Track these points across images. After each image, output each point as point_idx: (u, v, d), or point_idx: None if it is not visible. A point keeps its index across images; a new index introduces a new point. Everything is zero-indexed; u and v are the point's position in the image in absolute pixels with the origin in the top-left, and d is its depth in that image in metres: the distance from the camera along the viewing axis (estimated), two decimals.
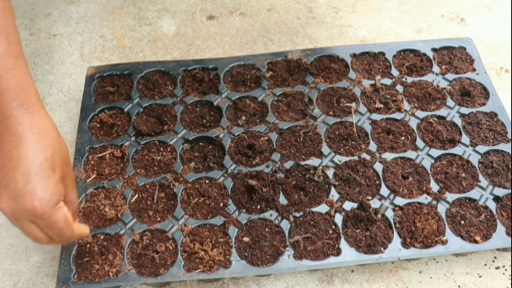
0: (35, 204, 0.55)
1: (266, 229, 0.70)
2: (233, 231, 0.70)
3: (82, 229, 0.64)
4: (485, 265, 0.72)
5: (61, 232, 0.59)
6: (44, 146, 0.57)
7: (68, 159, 0.62)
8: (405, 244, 0.68)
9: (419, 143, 0.79)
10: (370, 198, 0.73)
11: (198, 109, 0.85)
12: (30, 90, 0.58)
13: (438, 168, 0.76)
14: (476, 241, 0.68)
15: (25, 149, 0.56)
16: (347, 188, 0.74)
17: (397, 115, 0.82)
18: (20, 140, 0.56)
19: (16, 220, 0.58)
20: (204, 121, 0.83)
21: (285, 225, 0.70)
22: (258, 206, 0.72)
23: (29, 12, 1.05)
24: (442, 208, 0.72)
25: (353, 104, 0.83)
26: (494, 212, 0.71)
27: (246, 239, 0.69)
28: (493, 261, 0.72)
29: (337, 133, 0.81)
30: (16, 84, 0.56)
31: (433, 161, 0.77)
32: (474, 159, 0.77)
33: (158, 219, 0.72)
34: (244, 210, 0.72)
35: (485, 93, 0.85)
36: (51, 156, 0.58)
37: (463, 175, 0.75)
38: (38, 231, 0.59)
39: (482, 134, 0.80)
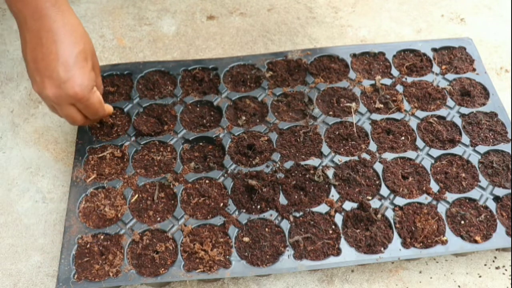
0: (76, 90, 0.67)
1: (266, 229, 0.70)
2: (233, 231, 0.70)
3: (109, 108, 0.79)
4: (485, 265, 0.72)
5: (97, 111, 0.73)
6: (77, 40, 0.68)
7: (94, 50, 0.73)
8: (405, 244, 0.68)
9: (419, 143, 0.79)
10: (370, 198, 0.73)
11: (198, 109, 0.85)
12: None
13: (438, 168, 0.76)
14: (476, 241, 0.68)
15: (61, 44, 0.66)
16: (347, 188, 0.74)
17: (397, 115, 0.83)
18: (56, 36, 0.65)
19: (58, 105, 0.68)
20: (204, 121, 0.83)
21: (285, 225, 0.70)
22: (258, 206, 0.72)
23: None
24: (442, 208, 0.72)
25: (353, 104, 0.83)
26: (494, 212, 0.71)
27: (246, 239, 0.69)
28: (493, 261, 0.72)
29: (337, 133, 0.81)
30: None
31: (433, 161, 0.77)
32: (474, 159, 0.77)
33: (158, 219, 0.72)
34: (244, 210, 0.72)
35: (485, 93, 0.85)
36: (83, 49, 0.68)
37: (463, 175, 0.75)
38: (76, 113, 0.71)
39: (482, 134, 0.80)
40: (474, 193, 0.73)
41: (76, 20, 0.69)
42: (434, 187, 0.74)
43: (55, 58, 0.65)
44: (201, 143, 0.81)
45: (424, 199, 0.73)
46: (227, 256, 0.67)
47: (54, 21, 0.65)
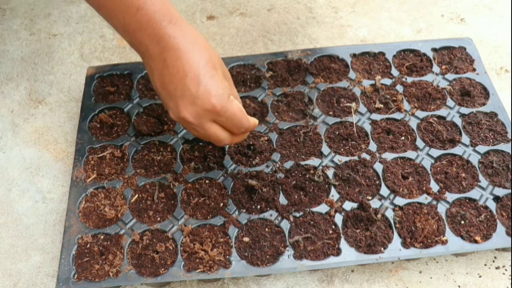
0: (213, 101, 0.61)
1: (266, 229, 0.70)
2: (233, 231, 0.70)
3: (254, 120, 0.68)
4: (485, 265, 0.72)
5: (241, 122, 0.65)
6: (200, 50, 0.63)
7: (221, 59, 0.67)
8: (405, 244, 0.68)
9: (419, 143, 0.79)
10: (370, 198, 0.73)
11: None
12: (170, 7, 0.63)
13: (438, 168, 0.76)
14: (476, 241, 0.68)
15: (186, 58, 0.61)
16: (347, 188, 0.74)
17: (397, 115, 0.82)
18: (179, 52, 0.61)
19: (199, 125, 0.63)
20: None
21: (285, 225, 0.70)
22: (258, 206, 0.72)
23: (29, 12, 1.05)
24: (442, 208, 0.72)
25: (353, 104, 0.83)
26: (494, 212, 0.71)
27: (246, 239, 0.69)
28: (493, 261, 0.72)
29: (337, 133, 0.81)
30: (160, 5, 0.62)
31: (433, 161, 0.77)
32: (474, 159, 0.77)
33: (158, 219, 0.72)
34: (244, 210, 0.72)
35: (485, 93, 0.85)
36: (210, 58, 0.63)
37: (463, 175, 0.75)
38: (220, 130, 0.65)
39: (482, 134, 0.80)
40: (474, 193, 0.73)
41: (195, 32, 0.65)
42: (434, 187, 0.74)
43: (183, 76, 0.61)
44: (201, 143, 0.81)
45: (424, 199, 0.73)
46: (227, 256, 0.67)
47: (174, 38, 0.61)
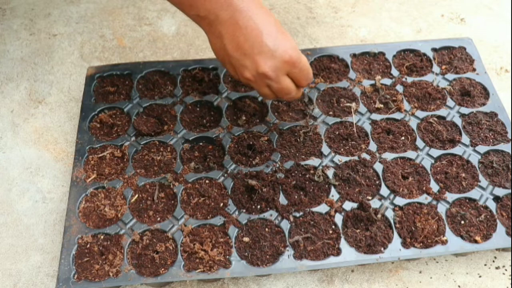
0: (290, 53, 0.66)
1: (266, 229, 0.70)
2: (233, 231, 0.70)
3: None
4: (485, 265, 0.72)
5: (309, 73, 0.70)
6: (266, 11, 0.68)
7: None
8: (405, 244, 0.68)
9: (419, 143, 0.79)
10: (370, 198, 0.73)
11: (198, 109, 0.85)
12: None
13: (438, 168, 0.76)
14: (476, 241, 0.68)
15: (258, 17, 0.66)
16: (347, 188, 0.74)
17: (397, 115, 0.82)
18: (250, 13, 0.65)
19: (276, 78, 0.67)
20: (204, 121, 0.83)
21: (285, 225, 0.70)
22: (258, 206, 0.72)
23: (29, 12, 1.05)
24: (442, 208, 0.72)
25: (353, 104, 0.83)
26: (494, 212, 0.71)
27: (246, 239, 0.69)
28: (493, 261, 0.72)
29: (337, 133, 0.81)
30: None
31: (433, 161, 0.77)
32: (474, 159, 0.77)
33: (158, 219, 0.72)
34: (244, 210, 0.72)
35: (485, 93, 0.85)
36: (274, 17, 0.68)
37: (463, 175, 0.75)
38: (291, 83, 0.70)
39: (482, 134, 0.80)
40: (474, 193, 0.73)
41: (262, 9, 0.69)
42: (434, 187, 0.74)
43: (258, 33, 0.65)
44: (201, 143, 0.81)
45: (424, 199, 0.73)
46: (227, 256, 0.67)
47: (243, 1, 0.65)
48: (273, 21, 0.67)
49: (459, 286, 0.70)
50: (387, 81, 0.87)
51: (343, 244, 0.68)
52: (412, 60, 0.91)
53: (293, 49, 0.67)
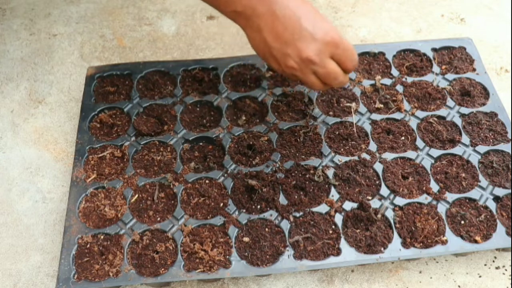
0: (331, 34, 0.66)
1: (266, 229, 0.70)
2: (233, 231, 0.70)
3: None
4: (485, 265, 0.72)
5: (353, 55, 0.69)
6: None
7: None
8: (405, 244, 0.68)
9: (419, 143, 0.79)
10: (370, 198, 0.73)
11: (198, 109, 0.85)
12: None
13: (438, 168, 0.76)
14: (476, 241, 0.68)
15: (294, 5, 0.66)
16: (347, 188, 0.74)
17: (397, 115, 0.82)
18: (286, 2, 0.65)
19: (320, 63, 0.66)
20: (204, 121, 0.83)
21: (285, 225, 0.70)
22: (258, 206, 0.72)
23: (29, 12, 1.05)
24: (442, 208, 0.72)
25: (353, 104, 0.83)
26: (494, 212, 0.71)
27: (246, 239, 0.69)
28: (493, 261, 0.72)
29: (337, 133, 0.81)
30: None
31: (433, 161, 0.77)
32: (474, 159, 0.77)
33: (158, 219, 0.72)
34: (244, 210, 0.72)
35: (485, 93, 0.85)
36: (312, 5, 0.68)
37: (463, 175, 0.75)
38: (337, 67, 0.68)
39: (482, 134, 0.80)
40: (474, 193, 0.73)
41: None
42: (434, 187, 0.74)
43: (297, 19, 0.65)
44: (201, 143, 0.81)
45: (424, 199, 0.73)
46: (227, 256, 0.67)
47: None
48: (310, 7, 0.67)
49: (459, 286, 0.70)
50: (387, 81, 0.87)
51: (343, 244, 0.68)
52: (412, 60, 0.90)
53: (333, 30, 0.66)
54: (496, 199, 0.73)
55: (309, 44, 0.65)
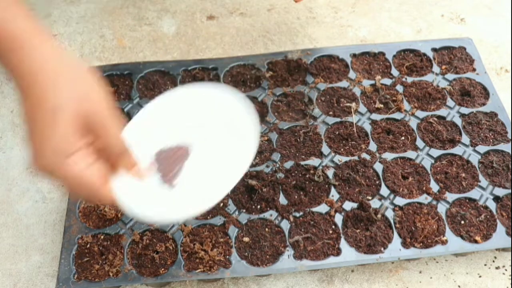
0: (32, 160, 0.47)
1: (266, 229, 0.70)
2: (233, 231, 0.70)
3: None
4: (485, 265, 0.72)
5: (91, 191, 0.48)
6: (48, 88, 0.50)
7: (97, 95, 0.51)
8: (405, 244, 0.68)
9: (419, 143, 0.79)
10: (370, 198, 0.73)
11: None
12: None
13: (438, 168, 0.76)
14: (476, 241, 0.68)
15: (27, 99, 0.49)
16: (347, 188, 0.74)
17: (397, 115, 0.82)
18: (28, 90, 0.50)
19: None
20: None
21: (285, 225, 0.70)
22: (258, 206, 0.72)
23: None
24: (442, 208, 0.72)
25: (353, 104, 0.83)
26: (494, 212, 0.71)
27: (246, 239, 0.69)
28: (493, 261, 0.72)
29: (337, 133, 0.81)
30: None
31: (433, 161, 0.77)
32: (474, 159, 0.77)
33: None
34: (244, 210, 0.72)
35: (485, 93, 0.85)
36: (57, 95, 0.48)
37: (463, 175, 0.75)
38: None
39: (482, 134, 0.80)
40: (474, 193, 0.73)
41: (56, 55, 0.49)
42: (434, 187, 0.74)
43: (25, 121, 0.48)
44: None
45: (424, 199, 0.73)
46: (227, 256, 0.67)
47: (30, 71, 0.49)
48: (47, 107, 0.47)
49: (459, 286, 0.70)
50: (387, 81, 0.87)
51: (343, 244, 0.68)
52: (412, 60, 0.90)
53: (38, 154, 0.46)
54: (496, 199, 0.73)
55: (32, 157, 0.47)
